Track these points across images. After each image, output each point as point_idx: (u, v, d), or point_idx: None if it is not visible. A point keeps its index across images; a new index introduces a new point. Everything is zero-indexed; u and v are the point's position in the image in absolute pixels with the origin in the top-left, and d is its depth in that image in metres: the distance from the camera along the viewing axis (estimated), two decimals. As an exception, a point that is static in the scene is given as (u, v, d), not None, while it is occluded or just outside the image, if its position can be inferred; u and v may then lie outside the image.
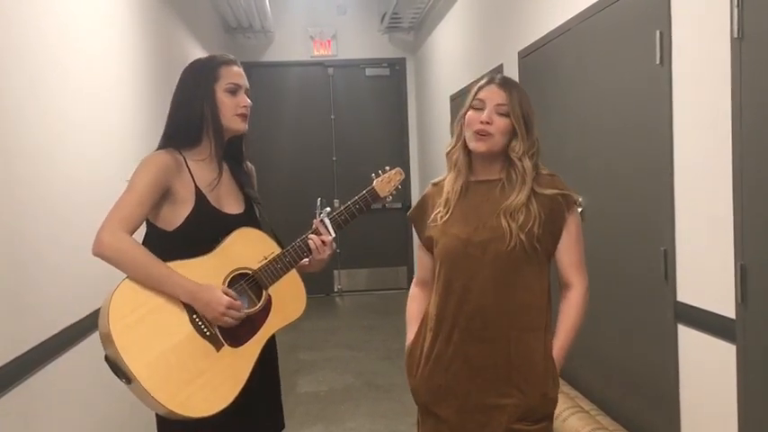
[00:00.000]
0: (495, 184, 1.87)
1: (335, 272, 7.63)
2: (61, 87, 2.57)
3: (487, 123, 1.82)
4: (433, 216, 1.93)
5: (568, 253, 1.86)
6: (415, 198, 7.68)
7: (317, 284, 7.46)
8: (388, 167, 2.21)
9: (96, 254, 1.79)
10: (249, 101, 2.00)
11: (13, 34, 2.21)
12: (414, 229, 2.07)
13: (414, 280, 2.10)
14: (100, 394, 2.67)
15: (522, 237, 1.78)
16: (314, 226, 2.05)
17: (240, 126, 1.99)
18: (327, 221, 2.04)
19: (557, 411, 2.74)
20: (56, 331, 2.36)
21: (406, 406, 4.05)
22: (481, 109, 1.84)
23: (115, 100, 3.25)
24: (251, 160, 2.18)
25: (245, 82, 2.01)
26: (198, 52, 5.27)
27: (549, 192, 1.82)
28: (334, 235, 2.05)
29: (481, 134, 1.83)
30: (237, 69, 2.00)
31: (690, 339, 2.28)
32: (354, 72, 7.63)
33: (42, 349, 2.26)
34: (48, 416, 2.32)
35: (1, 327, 2.05)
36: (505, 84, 1.87)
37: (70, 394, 2.48)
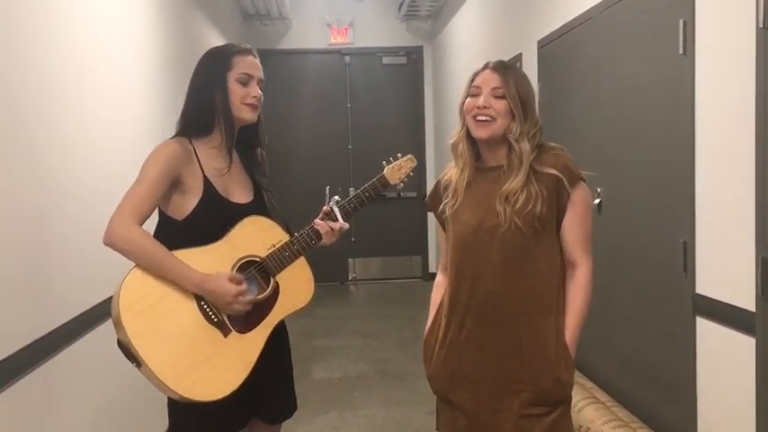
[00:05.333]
0: (503, 169, 1.87)
1: (350, 260, 7.64)
2: (83, 78, 2.60)
3: (485, 108, 1.83)
4: (442, 206, 1.95)
5: (573, 231, 1.82)
6: (430, 187, 7.62)
7: (332, 273, 7.48)
8: (399, 154, 2.21)
9: (107, 244, 1.82)
10: (260, 92, 2.00)
11: (36, 27, 2.23)
12: (434, 214, 2.07)
13: (439, 267, 2.10)
14: (117, 376, 2.70)
15: (518, 220, 1.78)
16: (321, 214, 2.08)
17: (248, 115, 1.98)
18: (336, 209, 2.06)
19: (572, 402, 2.75)
20: (77, 313, 2.39)
21: (420, 394, 4.06)
22: (478, 95, 1.86)
23: (135, 89, 3.26)
24: (267, 148, 2.19)
25: (258, 73, 2.00)
26: (216, 39, 5.27)
27: (550, 170, 1.80)
28: (343, 221, 2.07)
29: (482, 120, 1.84)
30: (252, 59, 2.00)
31: (708, 332, 2.26)
32: (371, 60, 7.59)
33: (64, 331, 2.30)
34: (68, 395, 2.36)
35: (26, 308, 2.09)
36: (500, 67, 1.87)
37: (90, 375, 2.51)
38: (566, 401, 1.84)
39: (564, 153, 1.86)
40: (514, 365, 1.81)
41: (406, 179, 2.19)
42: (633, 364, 2.78)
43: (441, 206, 1.97)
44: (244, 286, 1.87)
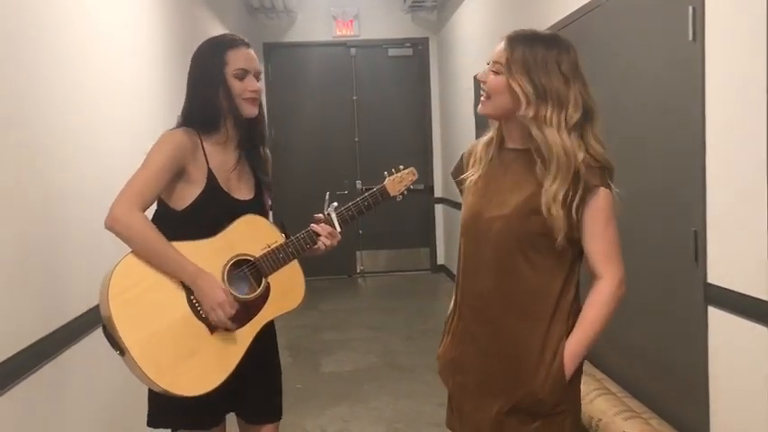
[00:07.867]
0: (521, 154, 1.67)
1: (358, 253, 7.63)
2: (86, 73, 2.59)
3: (483, 82, 1.65)
4: (466, 175, 1.79)
5: (594, 240, 1.62)
6: (437, 179, 7.64)
7: (340, 265, 7.47)
8: (401, 166, 2.19)
9: (108, 227, 1.81)
10: (258, 85, 1.96)
11: (38, 22, 2.23)
12: (456, 184, 1.89)
13: None
14: (127, 372, 2.70)
15: (518, 219, 1.61)
16: (318, 219, 2.04)
17: (248, 110, 1.95)
18: (334, 216, 2.04)
19: (583, 393, 2.73)
20: (89, 307, 2.39)
21: (429, 386, 4.05)
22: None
23: (139, 84, 3.26)
24: (274, 141, 2.18)
25: (254, 65, 1.97)
26: (221, 33, 5.25)
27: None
28: (339, 230, 2.04)
29: (482, 96, 1.67)
30: (246, 52, 1.96)
31: (720, 322, 2.24)
32: (377, 52, 7.56)
33: (76, 324, 2.32)
34: (81, 388, 2.38)
35: (38, 302, 2.10)
36: (512, 38, 1.62)
37: (102, 368, 2.52)
38: (546, 417, 1.64)
39: (585, 158, 1.61)
40: (496, 366, 1.69)
41: (405, 192, 2.16)
42: (644, 354, 2.76)
43: (462, 176, 1.82)
44: (231, 299, 1.84)
